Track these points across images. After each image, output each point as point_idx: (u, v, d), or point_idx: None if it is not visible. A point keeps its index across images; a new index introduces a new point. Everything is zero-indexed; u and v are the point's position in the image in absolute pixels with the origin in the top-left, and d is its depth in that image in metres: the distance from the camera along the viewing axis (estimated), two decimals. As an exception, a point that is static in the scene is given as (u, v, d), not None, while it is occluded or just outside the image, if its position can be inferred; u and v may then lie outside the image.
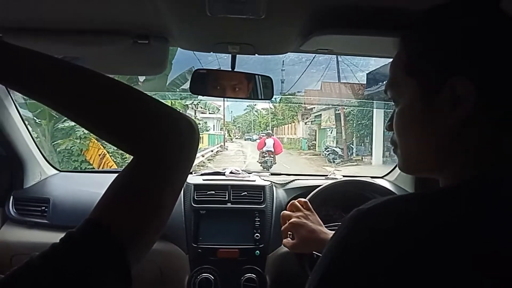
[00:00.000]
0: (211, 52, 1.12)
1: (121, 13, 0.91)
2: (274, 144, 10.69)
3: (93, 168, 6.62)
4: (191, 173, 1.87)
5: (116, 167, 6.70)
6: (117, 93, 0.55)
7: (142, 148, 0.52)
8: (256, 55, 1.12)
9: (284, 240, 1.14)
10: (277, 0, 0.79)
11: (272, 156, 10.42)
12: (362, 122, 14.50)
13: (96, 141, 6.86)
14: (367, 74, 12.02)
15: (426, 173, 0.60)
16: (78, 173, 2.51)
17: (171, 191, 0.54)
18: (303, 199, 1.23)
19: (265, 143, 10.90)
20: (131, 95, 0.56)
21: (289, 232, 1.14)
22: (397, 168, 1.90)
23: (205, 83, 1.17)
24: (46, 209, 1.58)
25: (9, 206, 1.58)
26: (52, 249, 0.45)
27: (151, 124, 0.54)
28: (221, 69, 1.19)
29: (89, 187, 1.70)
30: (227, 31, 0.98)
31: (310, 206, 1.19)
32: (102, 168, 6.53)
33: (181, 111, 0.59)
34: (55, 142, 7.14)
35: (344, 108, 15.31)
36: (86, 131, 5.18)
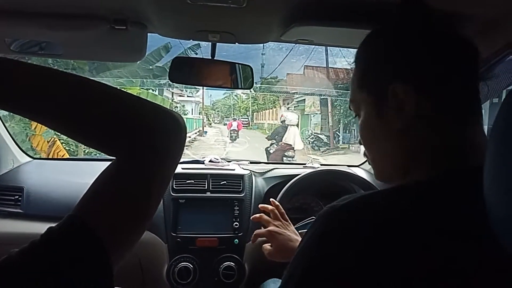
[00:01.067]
0: (191, 40, 1.10)
1: None
2: (237, 125, 16.29)
3: (41, 157, 6.05)
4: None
5: (68, 156, 6.21)
6: (94, 94, 0.52)
7: (126, 150, 0.51)
8: (237, 43, 1.10)
9: (264, 246, 1.14)
10: None
11: (236, 132, 15.88)
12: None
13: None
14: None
15: (397, 179, 0.61)
16: (52, 160, 2.45)
17: (157, 190, 0.53)
18: (281, 210, 1.21)
19: (231, 125, 16.41)
20: (110, 95, 0.53)
21: (259, 238, 1.15)
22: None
23: (185, 71, 1.15)
24: (20, 198, 1.53)
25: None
26: (31, 245, 0.44)
27: (134, 125, 0.52)
28: (202, 57, 1.17)
29: (64, 175, 1.67)
30: (208, 19, 0.96)
31: (287, 217, 1.19)
32: (52, 156, 5.79)
33: (166, 107, 0.56)
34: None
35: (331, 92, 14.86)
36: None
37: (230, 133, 15.99)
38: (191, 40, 1.14)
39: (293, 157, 7.38)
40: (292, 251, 1.05)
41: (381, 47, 0.61)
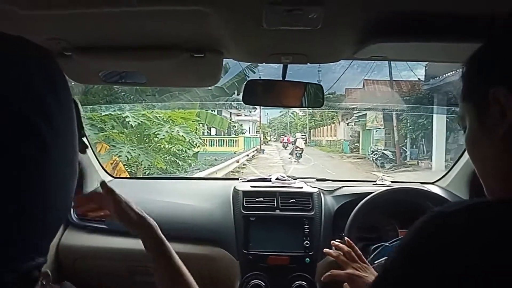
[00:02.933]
0: (264, 63, 1.14)
1: (179, 29, 0.94)
2: (287, 139, 24.86)
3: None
4: (237, 179, 1.90)
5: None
6: None
7: None
8: (308, 64, 1.13)
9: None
10: (333, 11, 0.79)
11: (287, 144, 23.72)
12: (419, 122, 13.10)
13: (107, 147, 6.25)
14: (425, 65, 10.93)
15: (500, 193, 0.57)
16: (131, 179, 2.62)
17: None
18: (357, 251, 1.16)
19: (283, 139, 25.47)
20: None
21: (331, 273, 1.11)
22: (450, 173, 1.84)
23: (258, 93, 1.20)
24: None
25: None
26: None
27: None
28: (273, 79, 1.21)
29: (141, 193, 1.78)
30: (281, 42, 0.99)
31: (365, 259, 1.15)
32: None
33: None
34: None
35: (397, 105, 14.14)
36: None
37: (283, 144, 25.03)
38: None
39: (300, 151, 16.99)
40: None
41: (483, 54, 0.59)
